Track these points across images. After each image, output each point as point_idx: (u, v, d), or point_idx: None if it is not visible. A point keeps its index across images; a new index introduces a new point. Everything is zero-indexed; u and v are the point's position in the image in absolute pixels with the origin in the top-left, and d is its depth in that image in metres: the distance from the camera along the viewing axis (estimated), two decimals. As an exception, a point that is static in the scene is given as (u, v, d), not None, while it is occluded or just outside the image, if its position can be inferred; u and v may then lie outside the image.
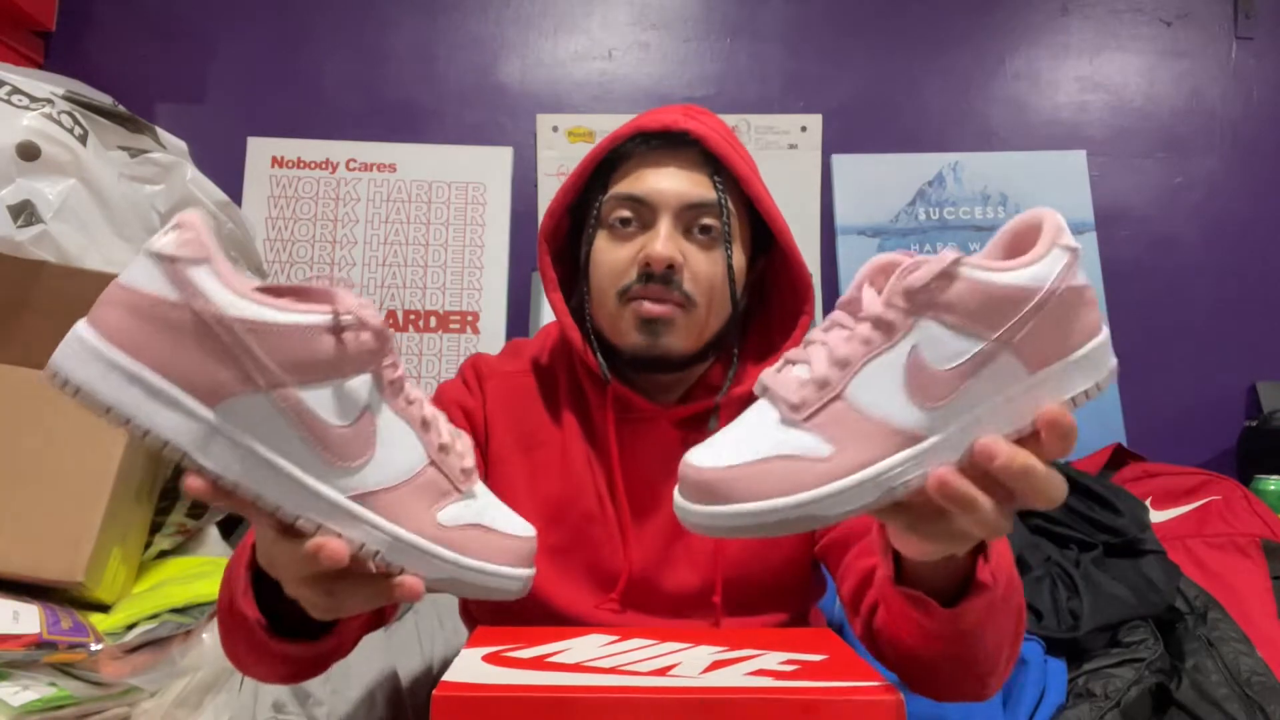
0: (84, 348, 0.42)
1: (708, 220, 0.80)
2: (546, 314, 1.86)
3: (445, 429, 0.52)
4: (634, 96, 2.07)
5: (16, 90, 1.11)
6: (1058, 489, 0.48)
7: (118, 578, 1.07)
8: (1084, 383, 0.49)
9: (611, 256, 0.81)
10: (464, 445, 0.54)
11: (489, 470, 0.86)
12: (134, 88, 1.96)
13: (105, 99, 1.27)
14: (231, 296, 0.43)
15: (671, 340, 0.79)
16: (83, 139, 1.12)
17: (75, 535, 0.99)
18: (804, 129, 2.06)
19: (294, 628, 0.59)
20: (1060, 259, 0.47)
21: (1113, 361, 0.50)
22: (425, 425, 0.51)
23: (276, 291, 0.46)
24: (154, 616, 1.06)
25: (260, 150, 2.00)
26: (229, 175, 1.93)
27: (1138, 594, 1.20)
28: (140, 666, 1.03)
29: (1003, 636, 0.63)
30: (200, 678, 1.08)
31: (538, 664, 0.63)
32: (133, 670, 1.01)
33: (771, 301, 0.90)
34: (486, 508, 0.53)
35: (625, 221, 0.80)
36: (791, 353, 0.52)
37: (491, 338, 1.96)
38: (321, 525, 0.46)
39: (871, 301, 0.49)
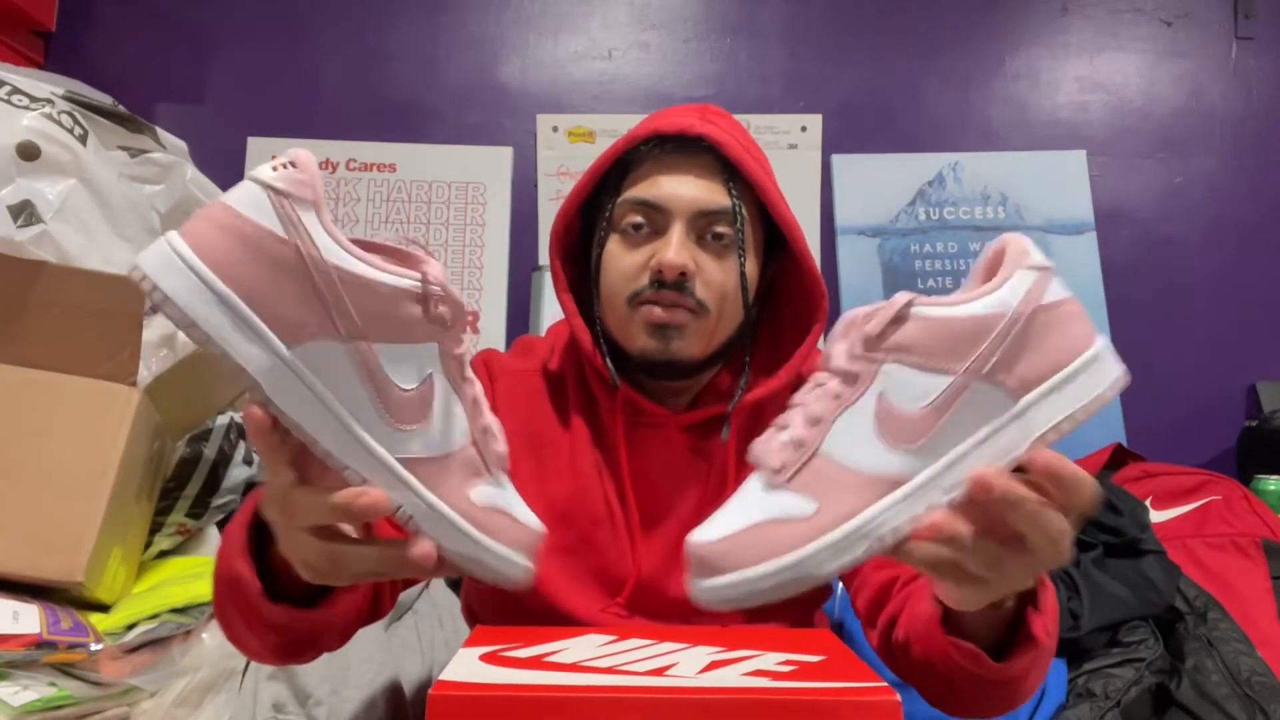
0: (176, 258, 0.42)
1: (721, 227, 0.79)
2: (547, 314, 1.86)
3: (488, 413, 0.53)
4: (634, 96, 2.07)
5: (16, 90, 1.11)
6: (1055, 530, 0.48)
7: (118, 578, 1.07)
8: (1081, 398, 0.49)
9: (623, 261, 0.80)
10: (499, 431, 0.55)
11: None
12: (134, 88, 1.96)
13: (105, 99, 1.27)
14: (334, 245, 0.44)
15: (682, 345, 0.79)
16: (83, 139, 1.12)
17: (75, 535, 0.99)
18: (804, 129, 2.06)
19: (285, 595, 0.59)
20: (1025, 281, 0.48)
21: (1115, 371, 0.50)
22: (476, 405, 0.52)
23: (370, 247, 0.47)
24: (154, 616, 1.06)
25: (260, 150, 2.00)
26: (229, 175, 1.92)
27: (1138, 594, 1.20)
28: (140, 666, 1.03)
29: (1041, 675, 0.63)
30: (200, 678, 1.08)
31: (535, 664, 0.63)
32: (133, 670, 1.01)
33: (782, 307, 0.89)
34: (509, 495, 0.55)
35: (638, 226, 0.80)
36: (778, 419, 0.53)
37: (491, 338, 1.96)
38: (366, 480, 0.47)
39: (838, 356, 0.50)
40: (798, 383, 0.88)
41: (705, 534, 0.52)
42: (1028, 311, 0.48)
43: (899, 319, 0.48)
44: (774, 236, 0.86)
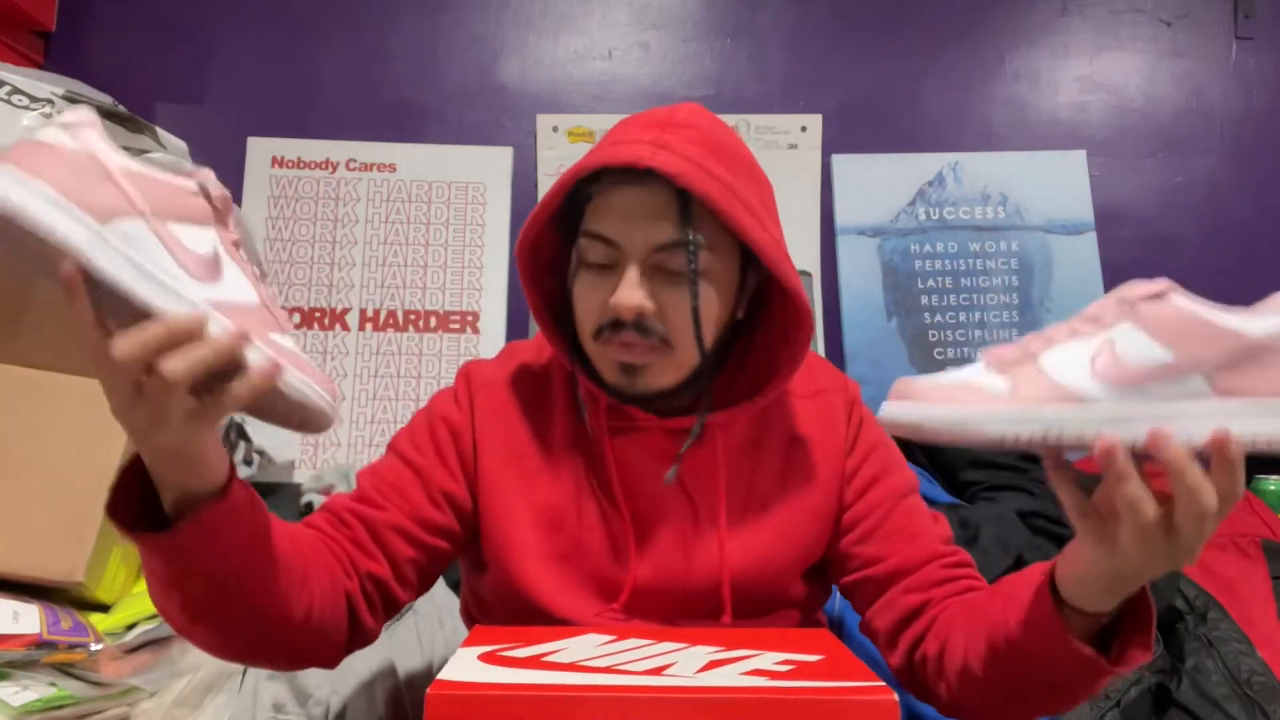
0: (7, 177, 0.51)
1: (679, 260, 0.75)
2: (546, 314, 1.86)
3: (265, 291, 0.62)
4: (634, 96, 2.07)
5: (16, 90, 1.11)
6: (1205, 507, 0.53)
7: (118, 578, 1.07)
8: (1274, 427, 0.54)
9: (587, 299, 0.79)
10: (280, 310, 0.63)
11: (481, 483, 0.84)
12: (134, 88, 1.96)
13: (105, 99, 1.27)
14: (115, 152, 0.56)
15: (650, 380, 0.78)
16: (83, 139, 1.12)
17: (75, 535, 0.99)
18: (804, 129, 2.06)
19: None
20: None
21: None
22: (257, 279, 0.62)
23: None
24: (154, 616, 1.06)
25: (260, 150, 2.00)
26: (229, 175, 1.93)
27: (1138, 594, 1.20)
28: (140, 666, 1.03)
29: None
30: (200, 678, 1.08)
31: (533, 663, 0.63)
32: (133, 670, 1.01)
33: (775, 309, 0.86)
34: (304, 354, 0.63)
35: (599, 259, 0.78)
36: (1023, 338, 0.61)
37: (491, 338, 1.96)
38: None
39: (1093, 307, 0.60)
40: (784, 398, 0.88)
41: (922, 378, 0.63)
42: (1274, 345, 0.54)
43: (1157, 296, 0.56)
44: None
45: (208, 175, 0.60)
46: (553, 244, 0.86)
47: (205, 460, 0.59)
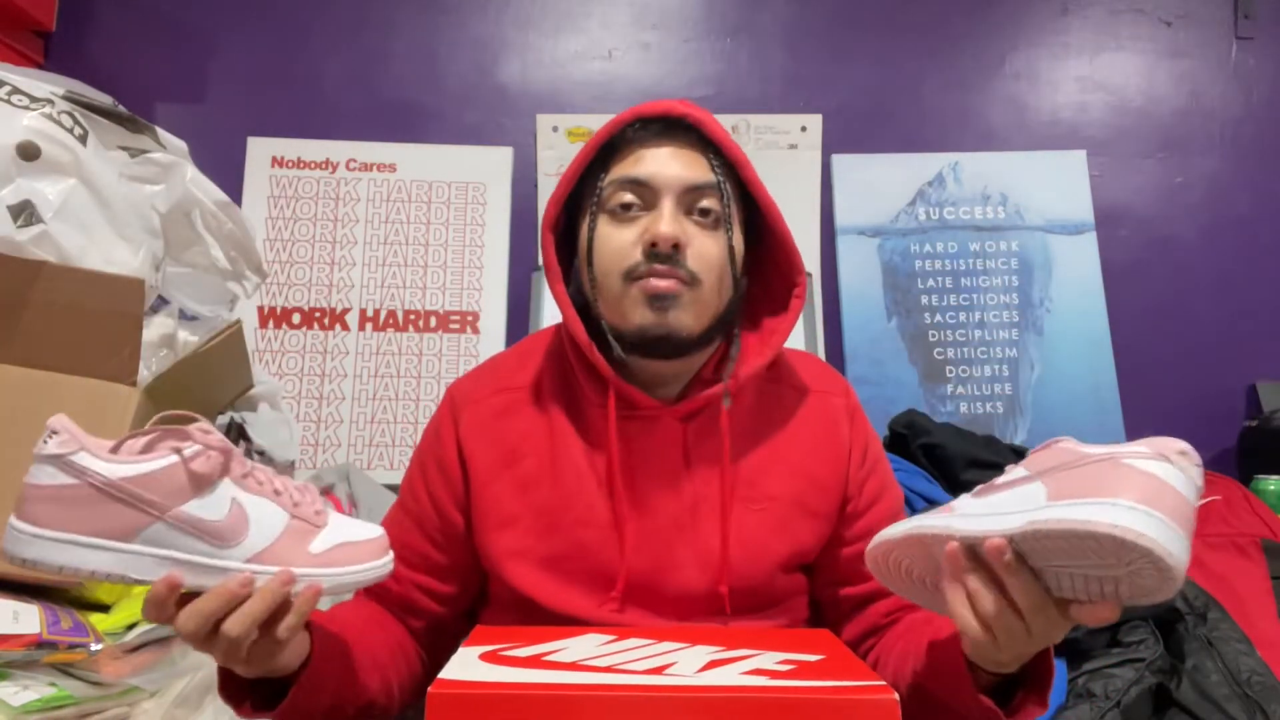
0: (25, 534, 0.60)
1: (708, 202, 0.81)
2: (546, 314, 1.86)
3: (293, 489, 0.69)
4: (634, 97, 2.07)
5: (16, 90, 1.11)
6: (1034, 603, 0.59)
7: (118, 578, 1.07)
8: (1074, 516, 0.55)
9: (616, 239, 0.81)
10: (311, 495, 0.70)
11: (474, 496, 0.86)
12: (134, 88, 1.96)
13: (105, 99, 1.27)
14: (107, 464, 0.61)
15: (679, 316, 0.79)
16: (83, 139, 1.12)
17: (75, 535, 0.99)
18: (804, 129, 2.06)
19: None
20: (1142, 451, 0.56)
21: (1144, 545, 0.54)
22: (277, 494, 0.67)
23: (136, 442, 0.63)
24: (154, 616, 1.05)
25: (260, 150, 2.00)
26: (229, 175, 1.93)
27: (1138, 594, 1.20)
28: (140, 666, 1.03)
29: None
30: (200, 678, 1.08)
31: (534, 662, 0.63)
32: (133, 670, 1.01)
33: (755, 283, 0.90)
34: (342, 529, 0.70)
35: (627, 205, 0.81)
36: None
37: (491, 338, 1.96)
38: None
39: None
40: (777, 359, 0.91)
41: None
42: (1107, 457, 0.57)
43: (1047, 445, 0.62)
44: (749, 216, 0.87)
45: (194, 435, 0.63)
46: (560, 222, 0.88)
47: (285, 663, 0.68)
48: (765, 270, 0.89)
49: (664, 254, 0.78)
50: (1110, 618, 0.59)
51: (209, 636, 0.62)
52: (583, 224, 0.84)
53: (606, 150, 0.84)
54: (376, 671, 0.80)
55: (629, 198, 0.81)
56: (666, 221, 0.78)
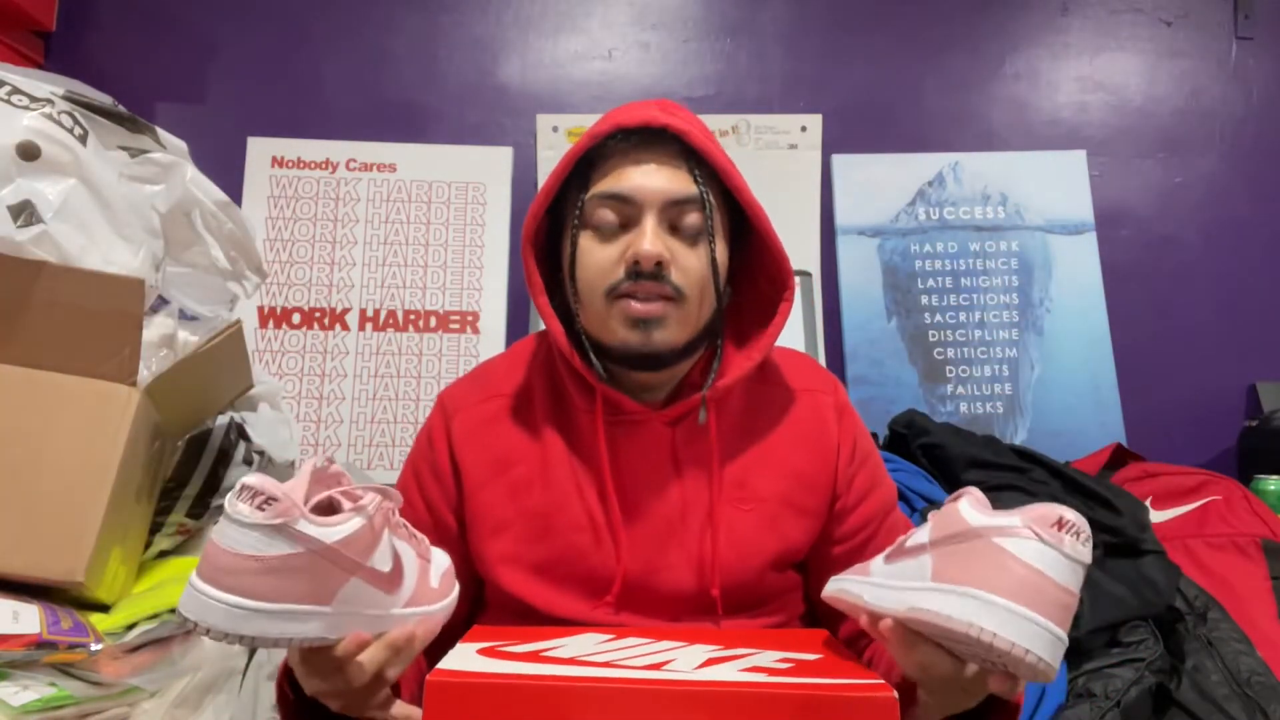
0: (243, 610, 0.57)
1: (691, 215, 0.80)
2: (546, 314, 1.85)
3: (406, 524, 0.71)
4: (634, 97, 2.07)
5: (16, 90, 1.11)
6: (938, 671, 0.60)
7: (118, 578, 1.07)
8: (952, 611, 0.55)
9: (598, 256, 0.80)
10: (412, 528, 0.72)
11: (467, 502, 0.87)
12: (134, 88, 1.96)
13: (105, 99, 1.27)
14: (321, 529, 0.59)
15: (663, 335, 0.80)
16: (83, 139, 1.12)
17: (75, 535, 0.99)
18: (804, 129, 2.06)
19: None
20: (1018, 521, 0.56)
21: (1000, 648, 0.53)
22: (414, 538, 0.71)
23: (328, 502, 0.62)
24: (154, 616, 1.05)
25: (260, 150, 2.00)
26: (229, 175, 1.93)
27: (1138, 594, 1.20)
28: (140, 666, 1.03)
29: None
30: (200, 678, 1.08)
31: (532, 658, 0.63)
32: (133, 670, 1.01)
33: (743, 288, 0.90)
34: (437, 556, 0.74)
35: (609, 220, 0.80)
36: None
37: (491, 338, 1.96)
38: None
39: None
40: (766, 360, 0.91)
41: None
42: (984, 534, 0.57)
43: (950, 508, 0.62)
44: (738, 219, 0.86)
45: (370, 494, 0.63)
46: (543, 229, 0.88)
47: (387, 702, 0.70)
48: (754, 275, 0.89)
49: (647, 272, 0.78)
50: (1007, 691, 0.58)
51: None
52: (566, 237, 0.84)
53: (586, 160, 0.82)
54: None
55: (610, 215, 0.80)
56: (649, 240, 0.77)
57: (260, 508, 0.57)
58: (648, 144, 0.80)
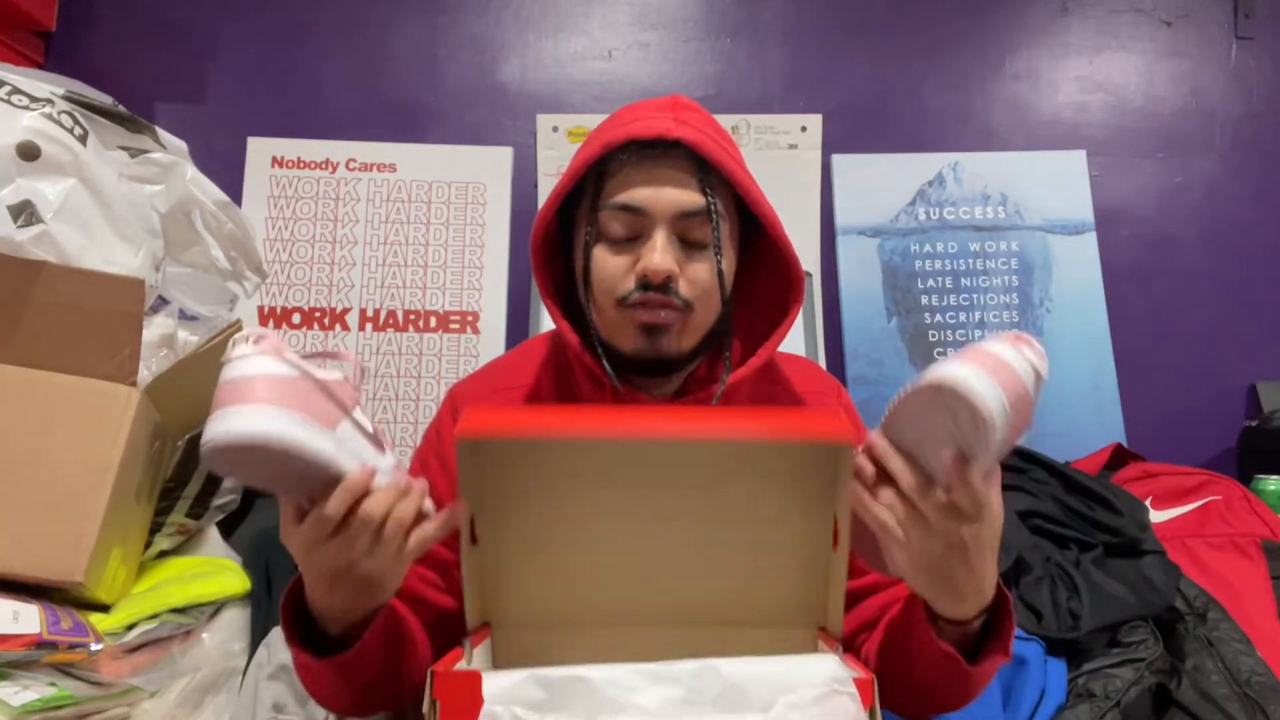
0: (257, 412, 0.59)
1: (700, 227, 0.81)
2: (546, 314, 1.85)
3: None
4: (634, 96, 2.04)
5: (16, 90, 1.11)
6: (910, 484, 0.65)
7: (118, 578, 1.07)
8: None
9: (610, 266, 0.82)
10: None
11: None
12: (134, 88, 1.96)
13: (105, 99, 1.27)
14: (312, 366, 0.64)
15: (670, 342, 0.82)
16: (83, 139, 1.12)
17: (75, 535, 0.99)
18: (804, 129, 2.06)
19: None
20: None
21: (961, 390, 0.60)
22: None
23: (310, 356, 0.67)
24: (154, 616, 1.06)
25: (260, 150, 2.00)
26: (229, 175, 1.93)
27: (1138, 594, 1.20)
28: (140, 666, 1.03)
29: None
30: (200, 678, 1.08)
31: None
32: (133, 670, 1.01)
33: (758, 286, 0.91)
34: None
35: (620, 231, 0.82)
36: None
37: (491, 338, 1.96)
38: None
39: None
40: (771, 364, 0.93)
41: None
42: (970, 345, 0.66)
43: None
44: (749, 218, 0.87)
45: (349, 360, 0.68)
46: (551, 230, 0.89)
47: (379, 598, 0.71)
48: (765, 273, 0.90)
49: (656, 285, 0.80)
50: (955, 475, 0.63)
51: (351, 534, 0.64)
52: (577, 243, 0.85)
53: (597, 166, 0.83)
54: (417, 642, 0.82)
55: (621, 228, 0.81)
56: (659, 254, 0.79)
57: (256, 343, 0.62)
58: (660, 154, 0.80)
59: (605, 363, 0.84)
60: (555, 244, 0.90)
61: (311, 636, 0.72)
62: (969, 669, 0.71)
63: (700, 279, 0.81)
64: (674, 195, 0.80)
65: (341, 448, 0.63)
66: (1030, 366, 0.64)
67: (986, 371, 0.61)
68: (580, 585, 0.77)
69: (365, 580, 0.67)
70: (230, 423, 0.58)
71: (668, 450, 0.72)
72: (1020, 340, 0.66)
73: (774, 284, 0.89)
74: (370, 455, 0.66)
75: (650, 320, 0.81)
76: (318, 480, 0.62)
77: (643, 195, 0.80)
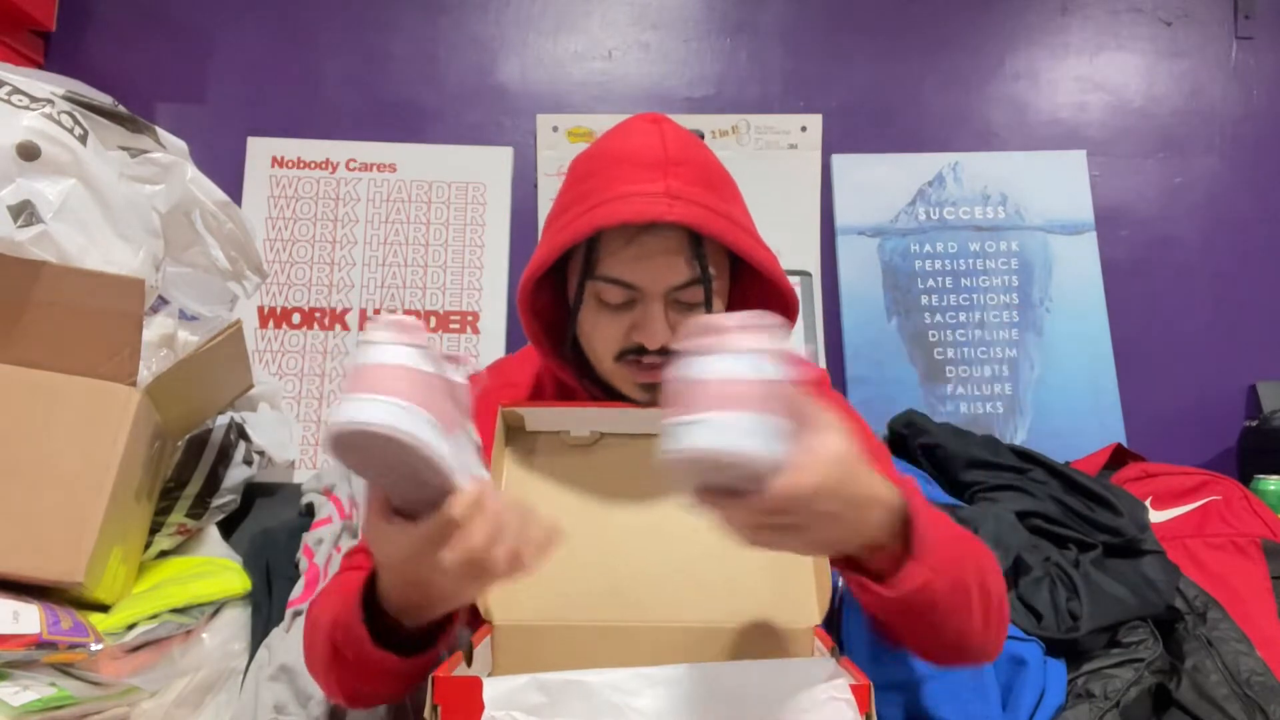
0: (393, 406, 0.56)
1: (693, 292, 0.83)
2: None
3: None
4: (634, 96, 2.07)
5: (16, 90, 1.11)
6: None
7: (118, 578, 1.07)
8: None
9: (603, 329, 0.84)
10: None
11: None
12: (134, 88, 1.96)
13: (105, 99, 1.27)
14: (448, 368, 0.61)
15: None
16: (83, 139, 1.12)
17: (75, 535, 0.99)
18: (804, 129, 2.06)
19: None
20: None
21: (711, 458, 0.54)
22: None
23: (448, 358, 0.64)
24: (154, 616, 1.06)
25: (260, 150, 2.00)
26: (229, 175, 1.93)
27: (1137, 594, 1.20)
28: (140, 666, 1.03)
29: (980, 607, 0.70)
30: (200, 678, 1.08)
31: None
32: (133, 670, 1.01)
33: (751, 300, 0.91)
34: None
35: (614, 297, 0.83)
36: None
37: (491, 338, 1.96)
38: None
39: None
40: None
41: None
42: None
43: None
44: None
45: (469, 365, 0.65)
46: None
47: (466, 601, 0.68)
48: (757, 289, 0.91)
49: (653, 350, 0.82)
50: (759, 505, 0.57)
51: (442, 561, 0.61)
52: (571, 295, 0.86)
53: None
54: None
55: (614, 297, 0.83)
56: (655, 327, 0.81)
57: (401, 330, 0.59)
58: (652, 234, 0.81)
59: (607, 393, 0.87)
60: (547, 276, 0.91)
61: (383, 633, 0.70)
62: (934, 600, 0.67)
63: None
64: (668, 274, 0.81)
65: (456, 457, 0.60)
66: (753, 364, 0.57)
67: (736, 409, 0.55)
68: (578, 586, 0.77)
69: (442, 593, 0.65)
70: (364, 411, 0.55)
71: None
72: (737, 334, 0.57)
73: (772, 300, 0.90)
74: (478, 469, 0.63)
75: (648, 380, 0.83)
76: (429, 485, 0.59)
77: (636, 273, 0.81)
